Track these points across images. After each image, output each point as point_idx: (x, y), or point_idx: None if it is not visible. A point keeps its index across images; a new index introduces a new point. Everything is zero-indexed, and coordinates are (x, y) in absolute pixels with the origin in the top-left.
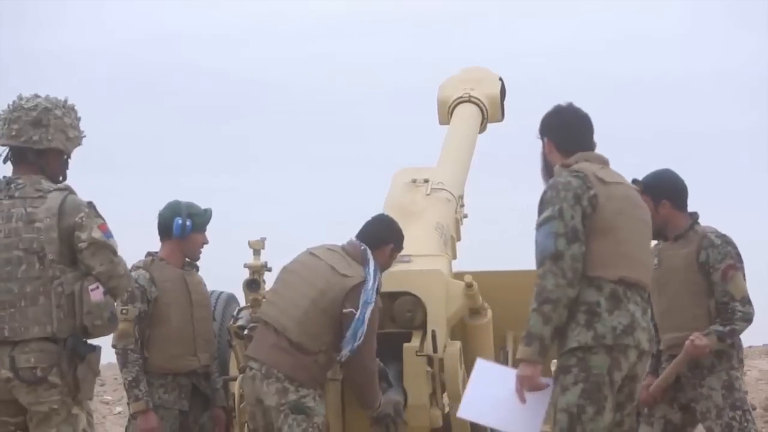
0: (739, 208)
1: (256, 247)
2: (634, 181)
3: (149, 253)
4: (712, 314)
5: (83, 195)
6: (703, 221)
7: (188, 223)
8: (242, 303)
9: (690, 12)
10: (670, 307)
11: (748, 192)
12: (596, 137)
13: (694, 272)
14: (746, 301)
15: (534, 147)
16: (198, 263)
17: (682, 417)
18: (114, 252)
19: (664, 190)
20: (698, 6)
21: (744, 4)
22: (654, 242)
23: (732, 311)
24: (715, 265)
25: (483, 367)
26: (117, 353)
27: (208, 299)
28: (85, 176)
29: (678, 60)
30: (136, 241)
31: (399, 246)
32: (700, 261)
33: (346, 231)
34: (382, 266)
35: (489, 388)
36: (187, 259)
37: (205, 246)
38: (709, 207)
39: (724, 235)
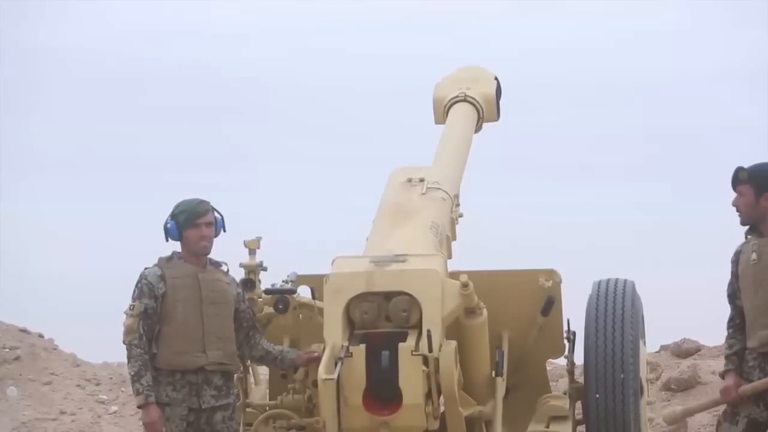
0: None
1: (252, 247)
2: (739, 169)
3: (174, 251)
4: None
5: (85, 193)
6: (705, 218)
7: (169, 225)
8: None
9: (689, 9)
10: None
11: None
12: (595, 137)
13: None
14: None
15: (530, 146)
16: (224, 262)
17: None
18: None
19: None
20: (697, 3)
21: (744, 2)
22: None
23: None
24: None
25: None
26: (126, 348)
27: (227, 297)
28: (85, 175)
29: (678, 58)
30: (137, 240)
31: None
32: None
33: (342, 231)
34: None
35: None
36: (210, 258)
37: (202, 238)
38: (710, 204)
39: None
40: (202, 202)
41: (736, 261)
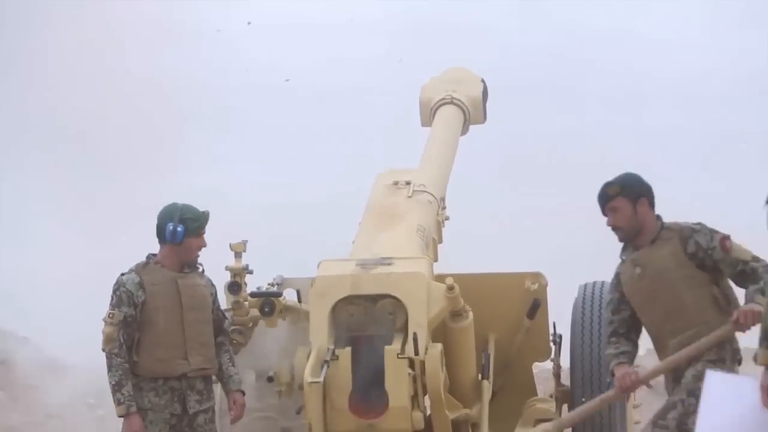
0: (742, 206)
1: (238, 250)
2: (608, 184)
3: (149, 255)
4: (719, 301)
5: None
6: (710, 218)
7: (179, 228)
8: (223, 306)
9: (680, 13)
10: (669, 311)
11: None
12: (594, 137)
13: (687, 266)
14: (758, 257)
15: (525, 147)
16: (200, 263)
17: None
18: None
19: (642, 189)
20: (693, 4)
21: (745, 3)
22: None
23: (753, 270)
24: (709, 246)
25: (714, 379)
26: (106, 357)
27: (205, 301)
28: (83, 174)
29: (675, 59)
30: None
31: None
32: (689, 252)
33: (334, 230)
34: None
35: (725, 406)
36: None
37: (201, 249)
38: (712, 205)
39: (696, 222)
40: (206, 212)
41: (617, 283)
